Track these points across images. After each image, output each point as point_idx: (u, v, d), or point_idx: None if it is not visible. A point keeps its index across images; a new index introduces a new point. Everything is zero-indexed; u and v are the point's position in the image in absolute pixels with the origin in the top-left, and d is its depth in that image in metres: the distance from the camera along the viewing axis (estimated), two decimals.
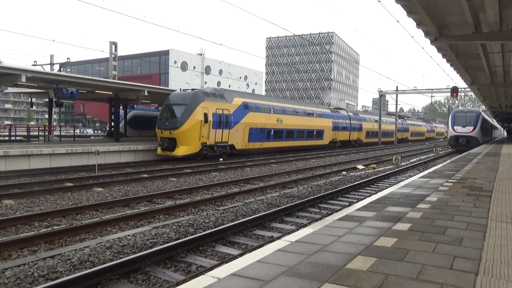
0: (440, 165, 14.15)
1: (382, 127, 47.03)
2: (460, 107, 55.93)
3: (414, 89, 49.74)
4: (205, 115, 20.37)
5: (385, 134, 48.45)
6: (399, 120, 54.67)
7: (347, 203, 9.75)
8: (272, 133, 26.19)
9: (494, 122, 62.19)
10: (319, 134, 32.55)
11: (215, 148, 21.40)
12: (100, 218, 8.09)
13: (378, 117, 47.55)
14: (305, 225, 7.45)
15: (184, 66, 70.47)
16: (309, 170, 17.72)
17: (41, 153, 16.18)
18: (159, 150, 20.14)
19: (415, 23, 10.61)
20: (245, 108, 23.75)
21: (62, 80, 21.18)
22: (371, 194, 10.60)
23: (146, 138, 28.18)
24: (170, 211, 8.86)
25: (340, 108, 42.71)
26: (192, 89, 21.99)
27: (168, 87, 46.47)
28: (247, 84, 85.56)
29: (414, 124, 63.33)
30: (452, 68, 18.18)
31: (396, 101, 55.95)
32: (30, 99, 36.10)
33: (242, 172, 16.56)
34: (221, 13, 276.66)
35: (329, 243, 3.95)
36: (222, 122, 21.62)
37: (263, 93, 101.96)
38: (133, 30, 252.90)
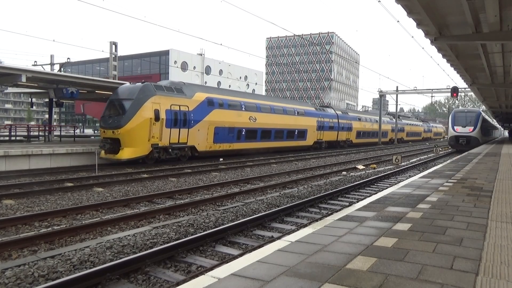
0: (440, 165, 14.15)
1: (374, 127, 45.28)
2: (460, 107, 55.98)
3: (414, 89, 49.75)
4: (156, 111, 17.79)
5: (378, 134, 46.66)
6: (394, 119, 53.76)
7: (347, 203, 9.75)
8: (243, 133, 23.56)
9: (494, 122, 62.20)
10: (301, 134, 29.87)
11: (170, 150, 18.84)
12: (100, 218, 8.09)
13: (371, 116, 46.66)
14: (305, 225, 7.45)
15: (184, 66, 70.44)
16: (309, 170, 17.73)
17: (41, 153, 16.19)
18: (102, 153, 17.51)
19: (415, 23, 10.63)
20: (210, 104, 21.11)
21: (62, 80, 21.18)
22: (371, 194, 10.60)
23: None
24: (170, 211, 8.86)
25: (326, 106, 39.62)
26: (142, 82, 19.27)
27: None
28: (247, 84, 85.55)
29: (410, 124, 61.61)
30: (452, 68, 18.20)
31: (396, 101, 55.98)
32: (30, 99, 36.08)
33: (242, 172, 16.57)
34: (221, 13, 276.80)
35: (329, 243, 3.95)
36: (179, 120, 18.97)
37: (263, 93, 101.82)
38: (133, 30, 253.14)
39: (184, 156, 19.94)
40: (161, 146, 18.34)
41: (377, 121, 46.64)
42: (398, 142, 52.31)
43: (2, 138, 28.80)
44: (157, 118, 17.81)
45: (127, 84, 20.29)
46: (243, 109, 23.78)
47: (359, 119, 41.89)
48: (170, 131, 18.56)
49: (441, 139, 79.16)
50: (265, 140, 25.87)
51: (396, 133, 52.50)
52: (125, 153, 17.05)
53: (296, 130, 29.11)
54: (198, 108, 20.25)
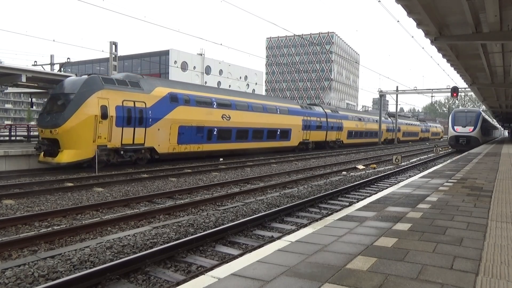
0: (440, 165, 14.15)
1: (368, 126, 44.29)
2: (460, 107, 56.04)
3: (414, 89, 49.80)
4: (103, 108, 15.57)
5: (372, 134, 45.43)
6: (389, 119, 52.93)
7: (347, 203, 9.76)
8: (215, 133, 21.30)
9: (494, 122, 62.18)
10: (284, 134, 27.54)
11: (123, 152, 16.54)
12: (100, 218, 8.09)
13: (365, 116, 46.10)
14: (305, 225, 7.45)
15: (184, 66, 70.43)
16: (309, 170, 17.73)
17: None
18: (40, 156, 15.54)
19: (415, 23, 10.64)
20: (173, 100, 18.83)
21: (62, 80, 21.16)
22: (371, 194, 10.61)
23: None
24: (170, 211, 8.87)
25: (314, 104, 36.77)
26: (89, 74, 16.99)
27: None
28: (247, 84, 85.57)
29: (406, 124, 60.15)
30: (452, 68, 18.20)
31: (396, 101, 56.03)
32: (30, 99, 36.10)
33: (242, 172, 16.57)
34: (221, 13, 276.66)
35: (329, 243, 3.95)
36: (134, 118, 16.71)
37: (263, 93, 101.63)
38: (133, 30, 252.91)
39: (141, 159, 17.76)
40: (111, 148, 16.12)
41: (375, 120, 46.72)
42: (388, 143, 50.89)
43: (2, 138, 28.81)
44: (104, 115, 15.63)
45: (73, 76, 18.15)
46: (214, 106, 21.48)
47: (351, 118, 39.74)
48: (122, 130, 16.34)
49: (440, 139, 78.77)
50: (241, 141, 23.52)
51: (396, 133, 52.43)
52: (65, 156, 14.93)
53: (278, 130, 26.82)
54: (158, 104, 17.96)
